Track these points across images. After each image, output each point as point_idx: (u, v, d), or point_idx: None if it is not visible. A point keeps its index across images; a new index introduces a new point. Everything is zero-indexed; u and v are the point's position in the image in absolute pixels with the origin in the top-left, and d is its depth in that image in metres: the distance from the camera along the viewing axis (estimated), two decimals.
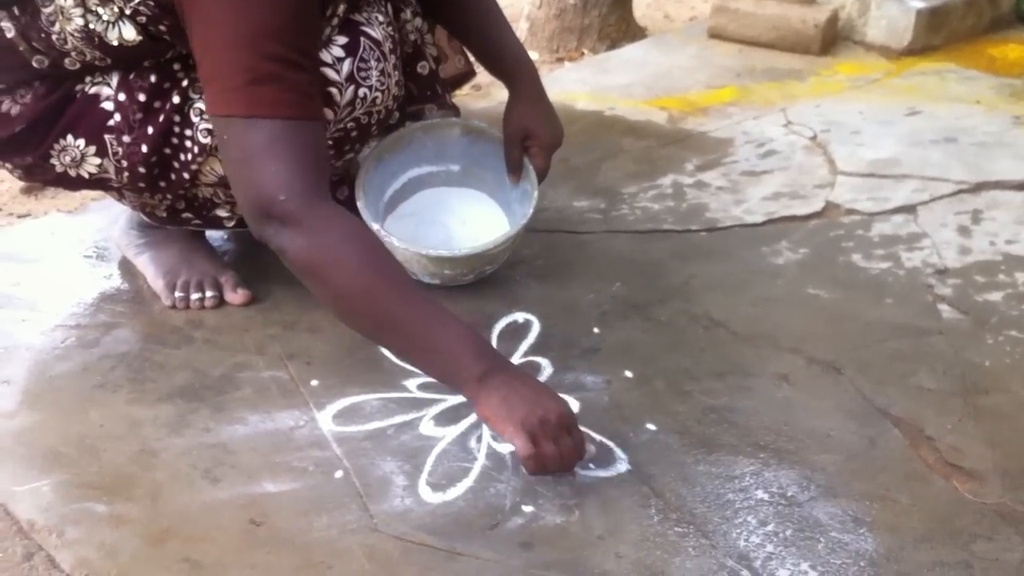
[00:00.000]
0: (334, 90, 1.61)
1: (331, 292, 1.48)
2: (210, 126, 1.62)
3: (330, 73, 1.60)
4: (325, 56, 1.60)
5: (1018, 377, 1.69)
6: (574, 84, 2.98)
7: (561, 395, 1.47)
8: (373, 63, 1.65)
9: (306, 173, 1.47)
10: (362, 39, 1.64)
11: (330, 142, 1.67)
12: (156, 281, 1.85)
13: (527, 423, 1.37)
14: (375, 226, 1.79)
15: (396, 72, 1.71)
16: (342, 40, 1.62)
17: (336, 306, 1.51)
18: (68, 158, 1.69)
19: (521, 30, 3.56)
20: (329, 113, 1.62)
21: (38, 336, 1.75)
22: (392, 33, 1.71)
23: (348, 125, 1.67)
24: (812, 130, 2.64)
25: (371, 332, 1.52)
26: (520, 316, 1.83)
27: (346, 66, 1.61)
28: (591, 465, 1.47)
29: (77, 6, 1.55)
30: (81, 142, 1.67)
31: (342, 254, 1.46)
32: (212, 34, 1.46)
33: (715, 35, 3.35)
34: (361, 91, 1.64)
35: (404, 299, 1.47)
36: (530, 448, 1.36)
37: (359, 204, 1.80)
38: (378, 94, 1.67)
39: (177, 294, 1.82)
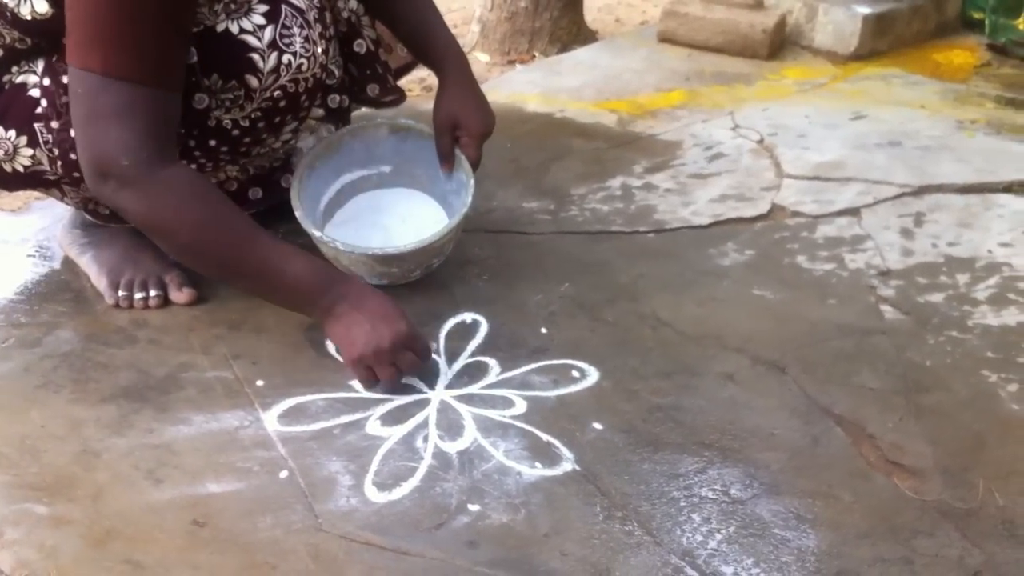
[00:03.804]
0: (256, 56, 1.63)
1: (173, 246, 1.62)
2: None
3: (251, 40, 1.62)
4: (245, 24, 1.62)
5: (958, 376, 1.72)
6: (525, 86, 2.98)
7: (506, 393, 1.49)
8: (296, 29, 1.66)
9: (152, 140, 1.52)
10: (283, 6, 1.66)
11: (259, 112, 1.69)
12: (99, 280, 1.83)
13: (364, 359, 1.57)
14: (316, 233, 1.78)
15: (323, 42, 1.72)
16: (263, 8, 1.64)
17: (180, 257, 1.67)
18: (1, 152, 1.67)
19: (472, 32, 3.57)
20: (253, 80, 1.64)
21: None
22: (317, 4, 1.72)
23: (275, 94, 1.68)
24: (759, 133, 2.66)
25: (218, 278, 1.71)
26: (468, 316, 1.82)
27: (268, 33, 1.63)
28: (537, 464, 1.48)
29: None
30: (12, 133, 1.65)
31: (181, 214, 1.56)
32: None
33: (665, 39, 3.36)
34: (285, 57, 1.66)
35: (247, 246, 1.58)
36: (368, 382, 1.59)
37: (297, 215, 1.80)
38: (303, 60, 1.68)
39: (120, 293, 1.80)
